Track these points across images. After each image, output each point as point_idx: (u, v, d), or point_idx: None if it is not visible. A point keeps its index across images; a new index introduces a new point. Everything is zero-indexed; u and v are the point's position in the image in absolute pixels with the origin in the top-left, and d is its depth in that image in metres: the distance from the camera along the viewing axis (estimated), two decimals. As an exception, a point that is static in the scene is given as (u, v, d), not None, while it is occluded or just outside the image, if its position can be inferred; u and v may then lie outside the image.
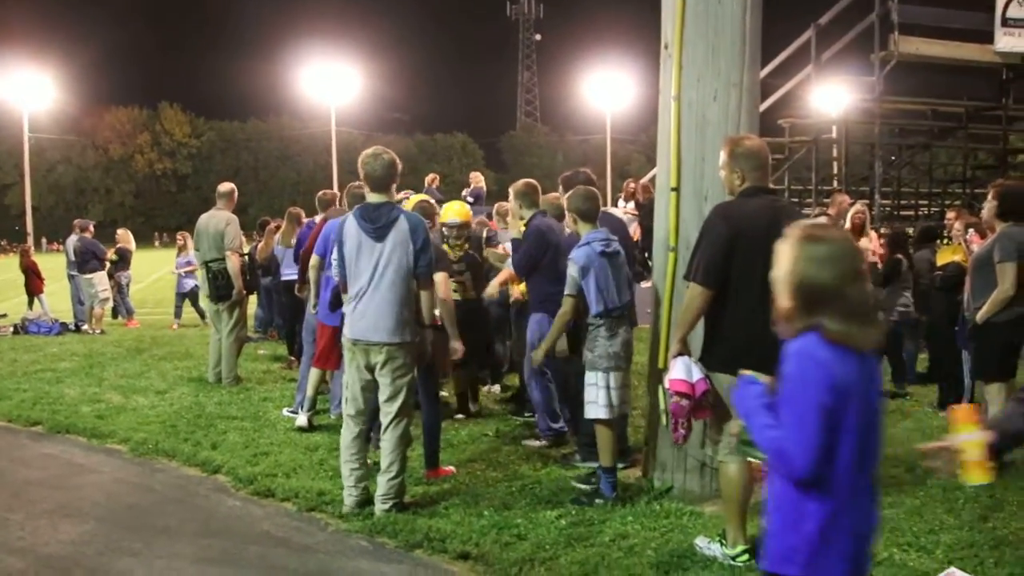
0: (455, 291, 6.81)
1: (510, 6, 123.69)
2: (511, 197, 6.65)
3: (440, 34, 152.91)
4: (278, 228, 11.13)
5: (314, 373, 7.07)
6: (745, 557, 4.25)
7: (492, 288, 7.07)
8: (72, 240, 14.63)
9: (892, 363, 8.22)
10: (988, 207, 5.94)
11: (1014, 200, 5.81)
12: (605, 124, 56.49)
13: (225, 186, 9.37)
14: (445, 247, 6.89)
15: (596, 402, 5.16)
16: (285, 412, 7.55)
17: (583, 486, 5.36)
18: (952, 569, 4.10)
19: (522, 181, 6.68)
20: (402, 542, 4.67)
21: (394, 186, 5.17)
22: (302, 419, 6.99)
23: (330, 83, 50.86)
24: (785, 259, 2.40)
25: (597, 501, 5.13)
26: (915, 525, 4.73)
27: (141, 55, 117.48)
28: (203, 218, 9.15)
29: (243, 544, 4.78)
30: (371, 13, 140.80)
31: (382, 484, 5.06)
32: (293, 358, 9.73)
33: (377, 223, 4.94)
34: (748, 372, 2.61)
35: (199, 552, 4.67)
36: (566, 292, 5.25)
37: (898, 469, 5.78)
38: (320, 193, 8.62)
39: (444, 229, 7.05)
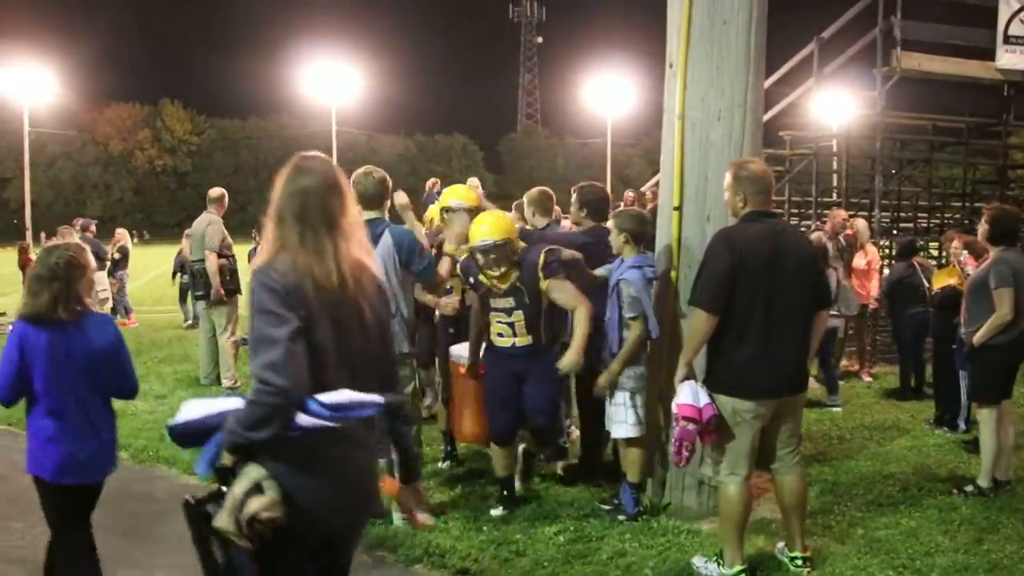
0: (501, 335, 5.18)
1: (512, 8, 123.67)
2: (525, 204, 6.32)
3: (441, 35, 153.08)
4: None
5: None
6: (741, 577, 4.29)
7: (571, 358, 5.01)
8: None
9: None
10: (981, 230, 6.00)
11: (1006, 224, 5.86)
12: (606, 128, 56.57)
13: (215, 191, 9.50)
14: (483, 279, 5.19)
15: (626, 421, 5.17)
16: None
17: (605, 506, 5.35)
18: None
19: (537, 189, 6.39)
20: (402, 556, 4.71)
21: (386, 202, 5.26)
22: None
23: (331, 83, 50.93)
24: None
25: (619, 517, 5.15)
26: (910, 547, 4.76)
27: (143, 51, 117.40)
28: (196, 221, 9.36)
29: (243, 556, 4.80)
30: (372, 13, 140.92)
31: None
32: None
33: None
34: None
35: (199, 564, 4.68)
36: (633, 314, 5.05)
37: (893, 488, 5.83)
38: None
39: (478, 255, 5.05)
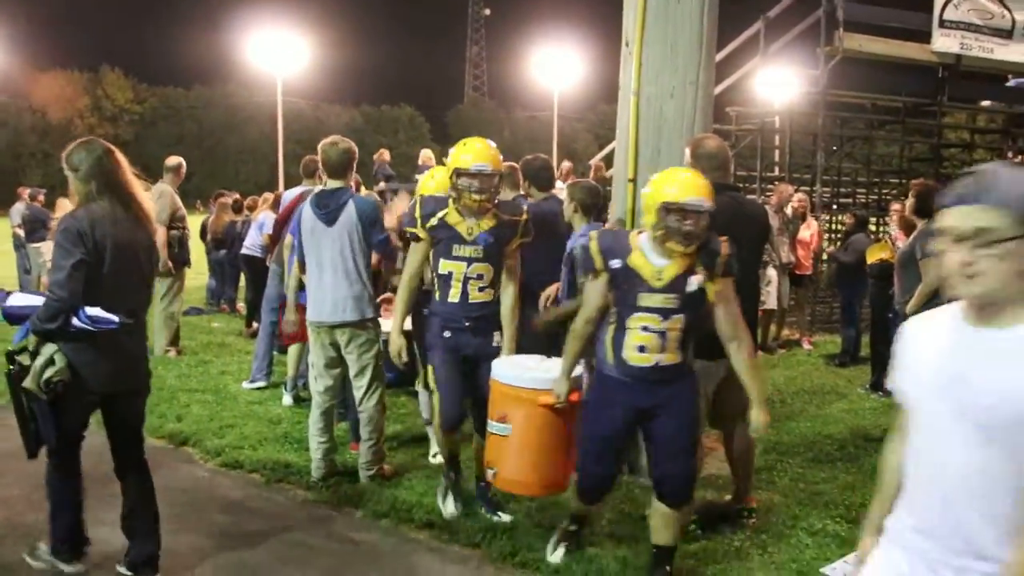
0: (642, 349, 3.77)
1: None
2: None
3: (389, 5, 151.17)
4: (236, 202, 11.21)
5: (293, 351, 7.18)
6: (691, 527, 4.59)
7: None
8: (19, 208, 14.31)
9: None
10: (908, 204, 6.40)
11: (931, 199, 6.18)
12: (552, 101, 56.62)
13: (172, 160, 9.30)
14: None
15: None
16: (245, 385, 7.72)
17: None
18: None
19: (505, 164, 5.94)
20: (369, 512, 4.92)
21: (351, 172, 5.43)
22: (287, 399, 7.18)
23: (277, 52, 50.21)
24: None
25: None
26: (847, 499, 5.12)
27: (82, 17, 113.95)
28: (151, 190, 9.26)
29: (215, 513, 4.98)
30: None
31: (364, 452, 5.34)
32: (256, 324, 9.77)
33: (328, 208, 5.20)
34: None
35: (172, 522, 4.79)
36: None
37: (832, 447, 6.21)
38: (306, 159, 7.93)
39: (671, 222, 3.56)
